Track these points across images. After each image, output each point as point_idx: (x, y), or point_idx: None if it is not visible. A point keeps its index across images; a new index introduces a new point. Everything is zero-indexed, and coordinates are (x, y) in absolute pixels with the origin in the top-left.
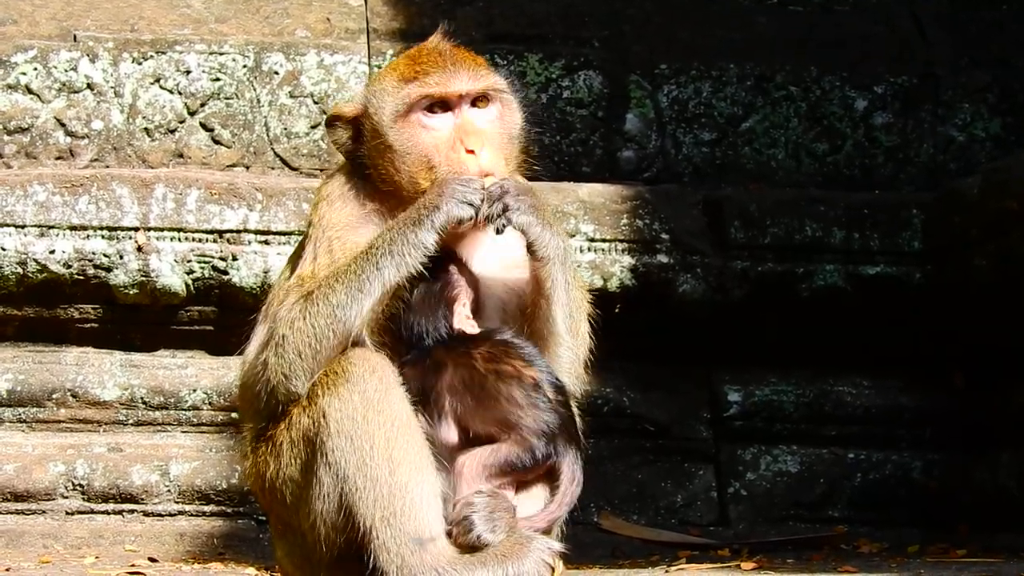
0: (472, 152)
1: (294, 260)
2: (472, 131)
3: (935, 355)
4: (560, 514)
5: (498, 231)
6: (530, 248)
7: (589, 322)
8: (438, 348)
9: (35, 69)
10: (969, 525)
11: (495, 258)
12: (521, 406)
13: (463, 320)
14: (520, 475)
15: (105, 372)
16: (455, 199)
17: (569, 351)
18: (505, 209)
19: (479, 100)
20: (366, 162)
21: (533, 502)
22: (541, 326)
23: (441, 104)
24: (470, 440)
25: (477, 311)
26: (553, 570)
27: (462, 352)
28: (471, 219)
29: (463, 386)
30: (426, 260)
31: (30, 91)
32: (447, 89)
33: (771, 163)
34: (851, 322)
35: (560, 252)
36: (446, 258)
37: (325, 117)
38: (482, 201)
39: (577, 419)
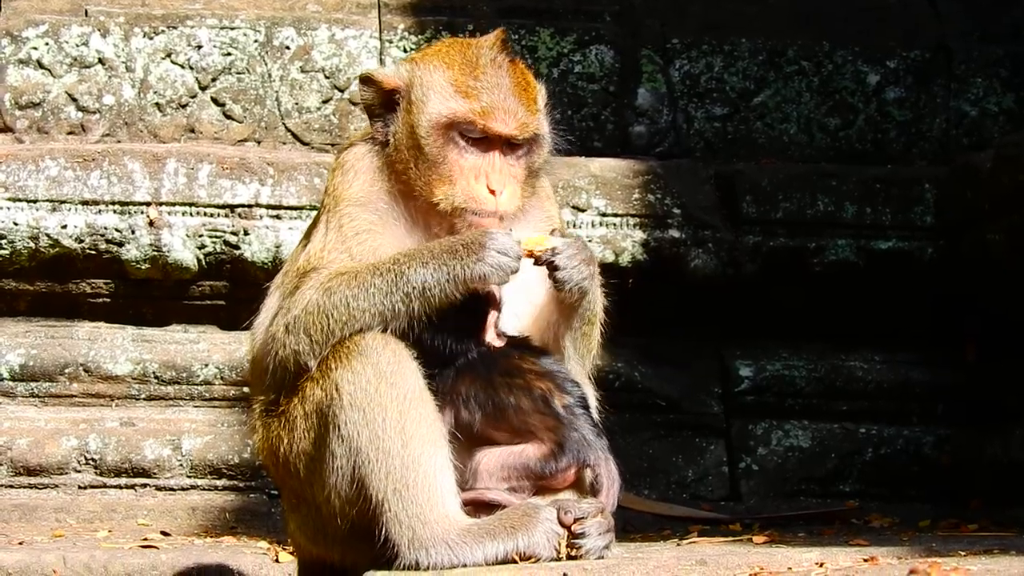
0: (493, 192)
1: (311, 229)
2: (500, 172)
3: (947, 330)
4: (609, 511)
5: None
6: (558, 286)
7: (601, 322)
8: (459, 362)
9: (46, 44)
10: (981, 500)
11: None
12: (529, 414)
13: (492, 335)
14: (545, 481)
15: (117, 347)
16: (489, 264)
17: (577, 363)
18: (555, 268)
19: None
20: (389, 137)
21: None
22: (549, 343)
23: (480, 133)
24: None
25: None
26: (560, 542)
27: (480, 366)
28: (502, 283)
29: (477, 399)
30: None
31: (41, 66)
32: (495, 127)
33: (783, 138)
34: (863, 297)
35: (587, 288)
36: None
37: (359, 75)
38: (516, 270)
39: (595, 418)
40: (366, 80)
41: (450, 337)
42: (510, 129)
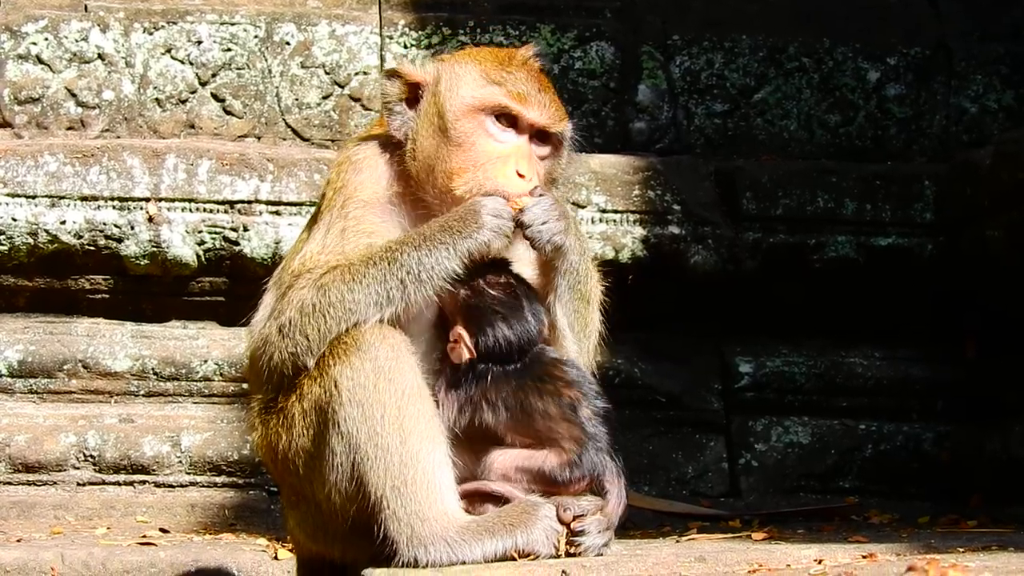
0: (522, 176)
1: (311, 224)
2: (529, 160)
3: (947, 326)
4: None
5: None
6: (532, 244)
7: (600, 309)
8: (487, 364)
9: (46, 39)
10: (981, 496)
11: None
12: (556, 421)
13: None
14: (556, 489)
15: (116, 343)
16: (489, 228)
17: (573, 344)
18: (524, 226)
19: (542, 136)
20: (407, 132)
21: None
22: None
23: (511, 120)
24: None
25: None
26: (559, 539)
27: (514, 370)
28: (504, 247)
29: (506, 402)
30: (454, 283)
31: (41, 61)
32: (529, 113)
33: (783, 134)
34: (863, 293)
35: (575, 260)
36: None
37: (385, 70)
38: (512, 229)
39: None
40: (392, 74)
41: (513, 328)
42: (543, 119)
